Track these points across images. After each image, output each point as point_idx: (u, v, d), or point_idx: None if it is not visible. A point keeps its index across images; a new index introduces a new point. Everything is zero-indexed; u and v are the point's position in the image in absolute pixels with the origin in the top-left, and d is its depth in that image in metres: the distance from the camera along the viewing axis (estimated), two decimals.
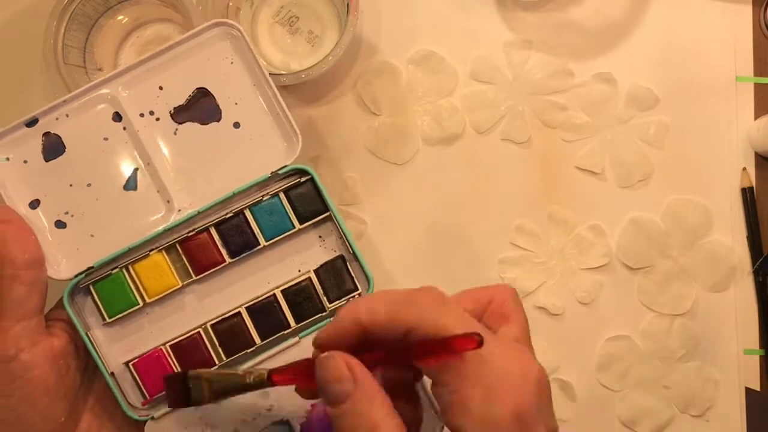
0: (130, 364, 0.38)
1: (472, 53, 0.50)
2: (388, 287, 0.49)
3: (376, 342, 0.29)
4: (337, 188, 0.49)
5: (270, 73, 0.45)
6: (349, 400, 0.27)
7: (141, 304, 0.39)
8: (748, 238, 0.49)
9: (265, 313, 0.40)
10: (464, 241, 0.49)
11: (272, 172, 0.39)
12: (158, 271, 0.39)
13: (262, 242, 0.40)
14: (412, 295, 0.29)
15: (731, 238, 0.49)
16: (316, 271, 0.40)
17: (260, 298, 0.40)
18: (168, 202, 0.39)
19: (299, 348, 0.39)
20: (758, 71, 0.50)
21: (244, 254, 0.40)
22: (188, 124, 0.40)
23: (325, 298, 0.40)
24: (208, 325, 0.40)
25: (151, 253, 0.39)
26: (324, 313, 0.40)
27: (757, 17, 0.50)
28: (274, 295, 0.40)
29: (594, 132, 0.50)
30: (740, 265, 0.49)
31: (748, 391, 0.49)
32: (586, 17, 0.50)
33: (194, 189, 0.39)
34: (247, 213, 0.39)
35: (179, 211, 0.39)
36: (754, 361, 0.49)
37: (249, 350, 0.39)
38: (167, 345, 0.39)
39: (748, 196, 0.49)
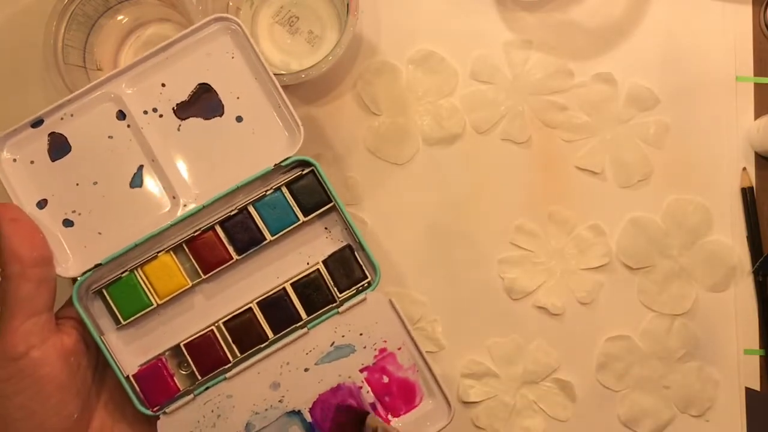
0: (130, 376, 0.39)
1: (472, 53, 0.50)
2: (388, 287, 0.49)
3: None
4: (337, 188, 0.49)
5: None
6: None
7: (155, 304, 0.39)
8: (748, 238, 0.49)
9: (276, 307, 0.40)
10: (464, 241, 0.49)
11: (275, 165, 0.39)
12: (167, 272, 0.39)
13: (268, 237, 0.40)
14: None
15: (731, 238, 0.49)
16: (324, 262, 0.40)
17: (270, 293, 0.40)
18: (173, 197, 0.39)
19: (308, 338, 0.40)
20: (758, 71, 0.50)
21: (251, 250, 0.40)
22: (191, 119, 0.40)
23: (335, 289, 0.40)
24: (221, 322, 0.40)
25: (159, 254, 0.39)
26: (334, 304, 0.40)
27: (757, 17, 0.50)
28: (284, 288, 0.40)
29: (594, 132, 0.50)
30: (740, 265, 0.49)
31: (748, 391, 0.49)
32: (586, 17, 0.50)
33: (199, 184, 0.40)
34: (251, 209, 0.40)
35: (185, 206, 0.39)
36: (754, 361, 0.49)
37: (262, 345, 0.40)
38: (181, 344, 0.39)
39: (748, 196, 0.49)
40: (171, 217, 0.39)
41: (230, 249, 0.39)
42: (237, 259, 0.40)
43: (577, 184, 0.49)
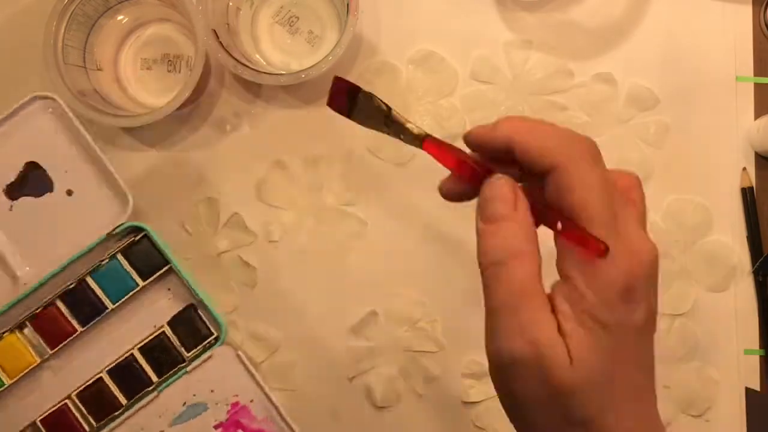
0: None
1: (472, 53, 0.50)
2: (386, 286, 0.49)
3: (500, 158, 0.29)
4: (336, 188, 0.49)
5: (269, 73, 0.45)
6: (502, 221, 0.28)
7: (6, 384, 0.39)
8: (748, 238, 0.49)
9: (126, 373, 0.41)
10: (464, 241, 0.49)
11: (108, 233, 0.40)
12: (13, 352, 0.40)
13: (110, 306, 0.41)
14: (572, 141, 0.29)
15: (731, 238, 0.49)
16: (169, 324, 0.41)
17: (119, 360, 0.41)
18: (12, 277, 0.40)
19: (159, 401, 0.40)
20: (758, 71, 0.50)
21: (95, 321, 0.41)
22: (22, 198, 0.41)
23: (182, 349, 0.41)
24: (74, 394, 0.40)
25: (4, 335, 0.40)
26: (183, 363, 0.41)
27: (757, 17, 0.50)
28: (132, 354, 0.41)
29: (594, 132, 0.49)
30: (740, 265, 0.49)
31: (748, 391, 0.48)
32: (586, 17, 0.50)
33: (37, 261, 0.40)
34: (89, 280, 0.40)
35: (25, 284, 0.40)
36: (754, 361, 0.49)
37: (116, 413, 0.40)
38: (37, 421, 0.40)
39: (748, 196, 0.49)
40: (12, 297, 0.40)
41: (73, 322, 0.40)
42: (81, 331, 0.40)
43: None
